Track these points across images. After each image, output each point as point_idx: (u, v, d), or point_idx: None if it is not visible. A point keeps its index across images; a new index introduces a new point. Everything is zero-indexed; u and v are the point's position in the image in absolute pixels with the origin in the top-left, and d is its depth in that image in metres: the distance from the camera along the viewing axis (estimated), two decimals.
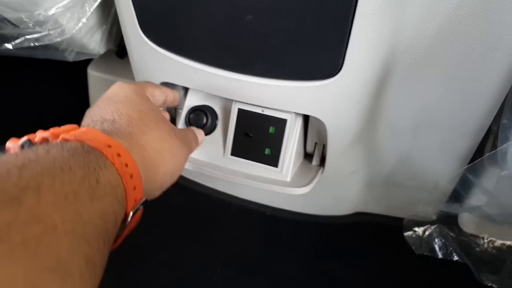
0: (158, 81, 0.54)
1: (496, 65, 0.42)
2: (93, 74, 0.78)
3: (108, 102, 0.34)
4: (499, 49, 0.40)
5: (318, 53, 0.42)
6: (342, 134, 0.51)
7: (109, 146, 0.26)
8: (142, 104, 0.35)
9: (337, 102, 0.46)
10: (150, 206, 0.34)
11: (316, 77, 0.44)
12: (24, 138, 0.27)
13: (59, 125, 0.30)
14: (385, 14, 0.39)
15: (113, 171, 0.25)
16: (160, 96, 0.41)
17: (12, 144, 0.27)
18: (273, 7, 0.40)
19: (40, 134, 0.28)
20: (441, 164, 0.55)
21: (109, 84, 0.37)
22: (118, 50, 0.71)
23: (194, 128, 0.51)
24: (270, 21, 0.41)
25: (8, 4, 0.46)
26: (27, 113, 0.85)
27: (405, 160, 0.55)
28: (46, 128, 0.30)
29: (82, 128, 0.28)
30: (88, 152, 0.25)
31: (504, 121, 0.44)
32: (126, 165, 0.27)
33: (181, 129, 0.42)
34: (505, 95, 0.45)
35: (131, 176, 0.27)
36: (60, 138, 0.27)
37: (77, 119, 0.34)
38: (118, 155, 0.27)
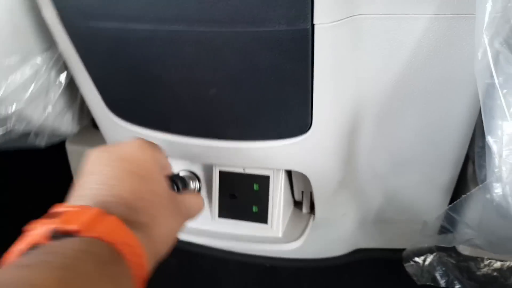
0: None
1: (461, 99, 0.43)
2: (72, 149, 0.76)
3: (131, 176, 0.32)
4: (461, 84, 0.41)
5: (285, 115, 0.42)
6: (325, 183, 0.51)
7: (129, 246, 0.28)
8: (162, 187, 0.34)
9: (313, 156, 0.46)
10: None
11: (288, 135, 0.44)
12: (52, 227, 0.26)
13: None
14: (341, 73, 0.40)
15: (131, 284, 0.27)
16: (167, 165, 0.39)
17: (40, 229, 0.26)
18: (233, 80, 0.41)
19: (70, 227, 0.26)
20: (426, 196, 0.55)
21: None
22: (94, 122, 0.70)
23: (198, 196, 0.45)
24: (233, 92, 0.42)
25: None
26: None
27: (391, 198, 0.56)
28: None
29: (110, 220, 0.28)
30: (118, 265, 0.26)
31: (478, 149, 0.45)
32: (142, 266, 0.28)
33: (184, 200, 0.38)
34: (474, 125, 0.45)
35: (143, 280, 0.29)
36: (94, 233, 0.26)
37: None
38: (136, 256, 0.28)
